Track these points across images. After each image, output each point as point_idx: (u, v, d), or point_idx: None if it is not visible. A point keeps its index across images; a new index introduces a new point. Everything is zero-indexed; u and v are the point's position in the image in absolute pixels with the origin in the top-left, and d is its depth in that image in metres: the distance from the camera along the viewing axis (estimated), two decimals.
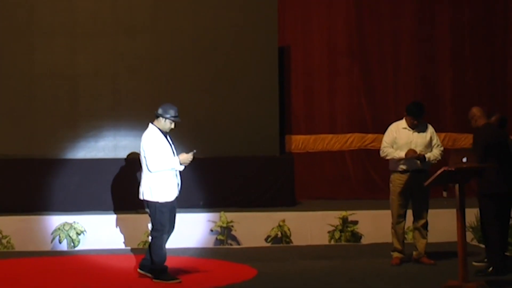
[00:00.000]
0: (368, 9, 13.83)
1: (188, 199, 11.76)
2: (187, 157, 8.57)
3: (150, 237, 8.69)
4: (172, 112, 8.56)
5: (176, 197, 8.64)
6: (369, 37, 13.81)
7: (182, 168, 8.68)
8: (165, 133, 8.62)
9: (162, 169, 8.48)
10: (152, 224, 8.58)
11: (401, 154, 9.43)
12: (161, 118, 8.57)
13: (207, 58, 12.27)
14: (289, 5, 13.54)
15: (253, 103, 12.31)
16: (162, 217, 8.49)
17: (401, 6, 13.91)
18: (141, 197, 8.59)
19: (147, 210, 8.60)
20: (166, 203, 8.51)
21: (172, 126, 8.61)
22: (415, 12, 13.93)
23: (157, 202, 8.48)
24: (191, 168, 11.90)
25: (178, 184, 8.65)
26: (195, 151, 8.67)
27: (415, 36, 13.92)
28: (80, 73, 12.03)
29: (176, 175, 8.63)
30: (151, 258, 8.60)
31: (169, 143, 8.64)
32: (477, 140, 8.86)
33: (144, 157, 8.54)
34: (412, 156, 9.35)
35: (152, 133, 8.58)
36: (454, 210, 8.11)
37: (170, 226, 8.62)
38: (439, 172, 7.93)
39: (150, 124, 8.64)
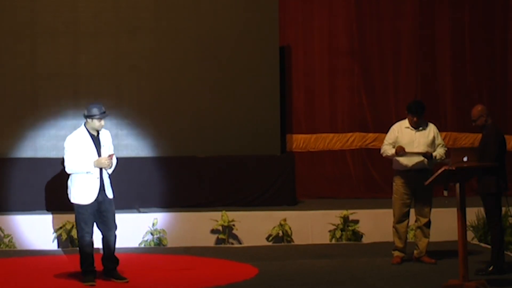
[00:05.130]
0: (369, 9, 13.84)
1: (190, 198, 11.85)
2: (101, 160, 8.54)
3: None
4: (95, 111, 8.56)
5: (104, 200, 8.58)
6: (369, 36, 13.82)
7: (110, 170, 8.66)
8: (92, 134, 8.60)
9: (76, 171, 8.52)
10: None
11: (393, 151, 9.46)
12: (89, 119, 8.60)
13: (208, 58, 12.29)
14: (290, 5, 13.54)
15: (254, 103, 12.33)
16: (80, 218, 8.54)
17: (401, 6, 13.91)
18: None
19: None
20: (83, 205, 8.51)
21: (102, 123, 8.62)
22: (415, 12, 13.93)
23: (74, 204, 8.56)
24: (193, 167, 12.04)
25: (100, 186, 8.57)
26: (112, 153, 8.69)
27: (415, 36, 13.92)
28: (83, 73, 12.05)
29: (99, 178, 8.57)
30: None
31: (96, 144, 8.60)
32: (493, 139, 8.86)
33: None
34: (401, 152, 9.37)
35: (75, 134, 8.62)
36: (455, 209, 8.13)
37: (104, 228, 8.62)
38: (439, 171, 7.95)
39: (82, 125, 8.68)
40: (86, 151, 8.53)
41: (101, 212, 8.60)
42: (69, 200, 8.64)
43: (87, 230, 8.55)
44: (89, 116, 8.56)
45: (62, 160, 8.79)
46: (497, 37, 14.15)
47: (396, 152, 9.43)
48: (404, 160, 9.51)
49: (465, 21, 14.04)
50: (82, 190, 8.52)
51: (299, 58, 13.66)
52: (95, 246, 8.73)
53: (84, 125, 8.65)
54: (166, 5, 12.26)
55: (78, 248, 8.73)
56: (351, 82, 13.76)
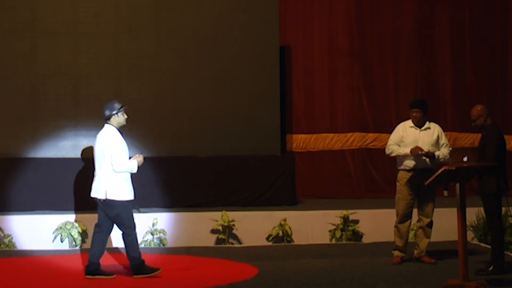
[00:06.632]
0: (369, 9, 13.85)
1: (190, 198, 11.85)
2: (140, 158, 8.81)
3: (122, 236, 8.83)
4: (117, 105, 8.76)
5: None
6: (369, 36, 13.83)
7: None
8: (121, 133, 8.79)
9: (127, 169, 8.68)
10: (121, 223, 8.74)
11: (406, 150, 9.45)
12: (115, 116, 8.72)
13: (208, 57, 12.30)
14: (290, 5, 13.57)
15: (254, 103, 12.35)
16: (130, 213, 8.75)
17: (401, 6, 13.92)
18: (102, 196, 8.67)
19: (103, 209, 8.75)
20: (131, 200, 8.74)
21: (126, 116, 8.82)
22: (415, 12, 13.95)
23: (124, 201, 8.69)
24: (193, 167, 12.04)
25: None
26: (142, 153, 8.98)
27: (415, 36, 13.94)
28: (83, 73, 12.06)
29: (130, 175, 8.82)
30: (131, 256, 8.79)
31: None
32: (493, 139, 8.86)
33: (111, 155, 8.63)
34: (418, 152, 9.36)
35: (114, 133, 8.73)
36: (455, 209, 8.14)
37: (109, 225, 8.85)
38: (439, 171, 7.95)
39: (107, 125, 8.77)
40: (126, 150, 8.75)
41: None
42: (107, 199, 8.65)
43: (134, 224, 8.76)
44: (117, 112, 8.69)
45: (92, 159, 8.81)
46: (497, 37, 14.17)
47: (412, 152, 9.39)
48: (408, 160, 9.50)
49: (465, 21, 14.05)
50: (128, 187, 8.73)
51: (299, 58, 13.67)
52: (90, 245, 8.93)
53: (108, 123, 8.75)
54: (166, 5, 12.27)
55: (134, 243, 8.77)
56: (351, 82, 13.77)
